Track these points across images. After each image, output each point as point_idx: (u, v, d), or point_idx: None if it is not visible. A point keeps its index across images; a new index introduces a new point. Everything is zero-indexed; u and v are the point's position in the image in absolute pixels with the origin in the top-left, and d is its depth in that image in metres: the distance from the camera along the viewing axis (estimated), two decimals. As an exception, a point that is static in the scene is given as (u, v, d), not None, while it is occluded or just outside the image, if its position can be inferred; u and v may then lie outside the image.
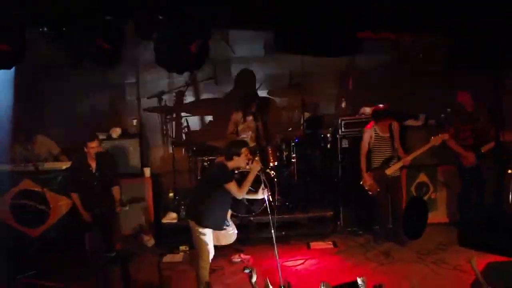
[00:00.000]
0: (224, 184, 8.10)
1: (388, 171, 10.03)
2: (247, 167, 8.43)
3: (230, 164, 8.22)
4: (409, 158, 9.99)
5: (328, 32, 5.40)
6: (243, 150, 8.22)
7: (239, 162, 8.24)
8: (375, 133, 10.03)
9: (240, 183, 8.24)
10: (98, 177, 9.50)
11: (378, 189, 10.09)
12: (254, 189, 8.67)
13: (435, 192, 11.13)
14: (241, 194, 8.26)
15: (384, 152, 10.07)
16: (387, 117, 9.96)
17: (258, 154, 9.79)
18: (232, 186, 8.14)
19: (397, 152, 10.14)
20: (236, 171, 8.76)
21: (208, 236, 8.21)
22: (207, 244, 8.22)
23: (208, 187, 8.31)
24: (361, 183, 10.14)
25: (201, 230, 8.15)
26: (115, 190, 9.63)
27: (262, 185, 8.68)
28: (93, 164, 9.45)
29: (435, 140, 9.77)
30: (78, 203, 9.50)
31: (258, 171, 8.32)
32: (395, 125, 10.12)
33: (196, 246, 8.31)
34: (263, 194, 8.47)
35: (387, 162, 10.06)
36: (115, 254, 9.11)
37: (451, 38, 4.16)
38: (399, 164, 10.07)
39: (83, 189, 9.44)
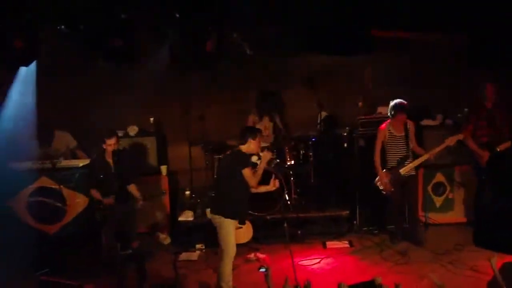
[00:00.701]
0: (242, 170, 8.18)
1: (403, 171, 9.91)
2: (260, 154, 8.56)
3: (244, 148, 8.36)
4: (431, 154, 9.77)
5: (345, 31, 5.40)
6: (258, 134, 8.46)
7: (253, 146, 8.38)
8: (389, 133, 9.94)
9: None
10: (116, 174, 9.49)
11: (392, 189, 9.97)
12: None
13: (452, 192, 11.08)
14: (255, 182, 8.32)
15: (399, 151, 9.95)
16: (404, 112, 9.81)
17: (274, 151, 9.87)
18: (248, 172, 8.23)
19: (413, 152, 9.99)
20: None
21: (233, 231, 8.30)
22: (233, 239, 8.31)
23: (228, 178, 8.36)
24: (375, 182, 10.06)
25: (227, 223, 8.23)
26: (132, 188, 9.63)
27: (273, 176, 8.77)
28: (111, 161, 9.45)
29: (450, 141, 9.66)
30: (98, 196, 9.37)
31: (269, 160, 8.44)
32: (411, 124, 9.99)
33: (221, 242, 8.34)
34: (274, 186, 8.53)
35: (402, 162, 9.93)
36: (131, 252, 9.09)
37: (468, 36, 4.14)
38: (414, 164, 9.93)
39: (101, 186, 9.43)
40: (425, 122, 11.32)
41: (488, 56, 4.30)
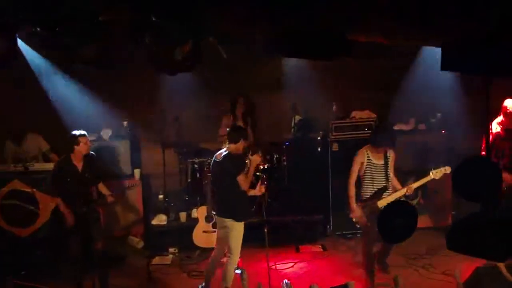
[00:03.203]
0: (238, 174, 8.31)
1: (380, 203, 8.70)
2: (250, 157, 8.63)
3: (234, 147, 8.43)
4: (409, 188, 8.76)
5: (320, 35, 5.41)
6: (248, 134, 8.79)
7: (242, 146, 8.49)
8: (367, 159, 8.82)
9: None
10: (83, 178, 9.05)
11: (368, 224, 8.72)
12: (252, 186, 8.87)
13: (424, 197, 11.13)
14: (247, 185, 8.43)
15: (377, 181, 8.81)
16: (391, 143, 8.88)
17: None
18: (243, 177, 8.35)
19: (391, 183, 8.94)
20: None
21: (242, 232, 8.45)
22: (241, 241, 8.46)
23: (229, 181, 8.43)
24: (350, 215, 9.02)
25: (239, 225, 8.37)
26: (100, 186, 9.22)
27: (260, 182, 8.84)
28: (80, 165, 9.02)
29: (435, 175, 8.78)
30: (62, 205, 8.91)
31: (258, 164, 8.51)
32: (391, 153, 8.92)
33: (231, 244, 8.42)
34: (260, 191, 8.62)
35: (379, 193, 8.79)
36: (97, 258, 8.84)
37: (442, 42, 4.18)
38: (393, 197, 8.78)
39: (67, 190, 9.10)
40: (398, 126, 11.39)
41: (461, 60, 4.34)
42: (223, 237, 8.56)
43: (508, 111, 8.97)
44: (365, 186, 8.87)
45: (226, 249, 8.54)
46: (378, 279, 8.70)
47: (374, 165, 8.81)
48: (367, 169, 8.81)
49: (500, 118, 9.14)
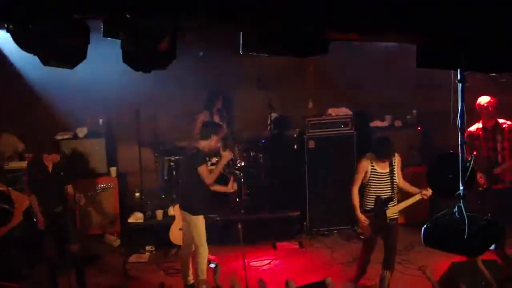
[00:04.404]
0: (197, 167, 8.38)
1: (389, 213, 8.30)
2: (222, 153, 8.84)
3: (205, 144, 8.52)
4: (427, 192, 8.19)
5: (297, 32, 5.40)
6: (219, 130, 8.67)
7: (214, 142, 8.58)
8: (371, 168, 8.31)
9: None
10: (55, 177, 8.91)
11: (372, 235, 8.44)
12: (224, 182, 8.96)
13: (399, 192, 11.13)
14: (211, 180, 8.52)
15: (382, 191, 8.32)
16: (391, 154, 8.32)
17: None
18: (204, 170, 8.44)
19: (404, 188, 8.54)
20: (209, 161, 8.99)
21: (204, 225, 8.57)
22: (204, 231, 8.57)
23: (191, 175, 8.55)
24: (356, 227, 8.62)
25: (196, 219, 8.50)
26: (70, 187, 9.00)
27: (232, 179, 8.87)
28: (50, 165, 8.87)
29: (426, 195, 8.27)
30: (35, 204, 8.82)
31: (229, 161, 8.56)
32: (397, 158, 8.43)
33: (194, 237, 8.58)
34: (232, 188, 8.69)
35: (385, 204, 8.29)
36: (72, 257, 8.73)
37: (419, 39, 4.19)
38: (405, 205, 8.47)
39: (40, 189, 8.98)
40: (374, 123, 11.45)
41: (436, 57, 4.35)
42: (186, 231, 8.78)
43: (482, 105, 8.88)
44: (369, 196, 8.37)
45: (192, 243, 8.69)
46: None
47: (379, 174, 8.30)
48: (372, 178, 8.30)
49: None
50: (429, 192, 8.15)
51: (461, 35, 3.98)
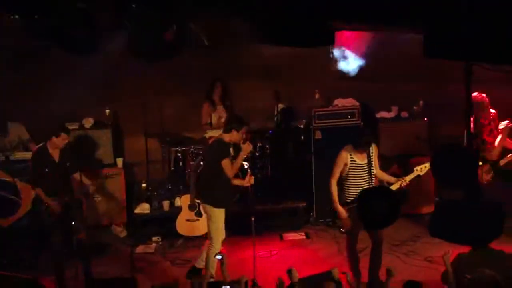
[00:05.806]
0: (221, 160, 8.35)
1: None
2: (241, 145, 8.70)
3: (227, 137, 8.50)
4: (405, 180, 8.32)
5: (304, 22, 5.39)
6: (244, 126, 8.61)
7: (236, 136, 8.51)
8: (351, 160, 8.24)
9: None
10: (61, 168, 8.89)
11: (353, 227, 8.33)
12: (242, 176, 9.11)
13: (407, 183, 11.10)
14: (233, 173, 8.52)
15: (361, 182, 8.26)
16: (369, 144, 8.32)
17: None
18: (227, 163, 8.40)
19: (382, 179, 8.54)
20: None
21: (223, 218, 8.54)
22: (222, 226, 8.54)
23: (214, 167, 8.50)
24: (336, 220, 8.52)
25: (218, 212, 8.46)
26: (77, 175, 8.97)
27: (250, 172, 8.89)
28: (56, 154, 8.85)
29: (421, 171, 8.39)
30: (43, 195, 8.77)
31: (249, 153, 8.54)
32: (374, 148, 8.42)
33: (210, 230, 8.54)
34: (249, 182, 8.68)
35: None
36: (77, 248, 8.73)
37: (426, 29, 4.17)
38: None
39: (46, 179, 8.88)
40: (381, 114, 11.41)
41: (445, 46, 4.32)
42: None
43: (476, 102, 9.10)
44: (349, 188, 8.32)
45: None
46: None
47: (358, 165, 8.26)
48: (351, 170, 8.26)
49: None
50: (407, 179, 8.28)
51: (468, 25, 3.97)
